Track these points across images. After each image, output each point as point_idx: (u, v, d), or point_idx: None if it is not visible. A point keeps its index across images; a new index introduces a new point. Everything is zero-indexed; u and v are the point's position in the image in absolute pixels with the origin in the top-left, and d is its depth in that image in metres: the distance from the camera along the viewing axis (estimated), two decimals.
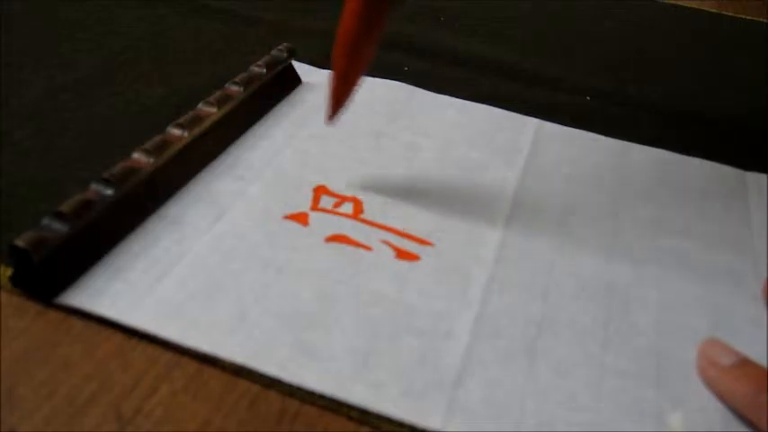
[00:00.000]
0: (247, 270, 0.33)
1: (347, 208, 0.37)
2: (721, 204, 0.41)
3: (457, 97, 0.48)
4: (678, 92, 0.53)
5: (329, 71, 0.49)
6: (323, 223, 0.36)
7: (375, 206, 0.38)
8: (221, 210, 0.36)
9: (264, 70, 0.44)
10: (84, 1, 0.56)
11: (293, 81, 0.48)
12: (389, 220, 0.37)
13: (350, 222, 0.36)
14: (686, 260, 0.36)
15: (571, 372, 0.30)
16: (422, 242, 0.36)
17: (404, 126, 0.45)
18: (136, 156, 0.36)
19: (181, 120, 0.39)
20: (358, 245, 0.35)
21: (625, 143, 0.45)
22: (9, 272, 0.31)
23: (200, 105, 0.40)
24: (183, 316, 0.30)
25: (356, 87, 0.37)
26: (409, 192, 0.39)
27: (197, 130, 0.39)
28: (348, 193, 0.38)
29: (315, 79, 0.49)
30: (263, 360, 0.29)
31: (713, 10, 0.69)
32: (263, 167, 0.40)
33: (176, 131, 0.38)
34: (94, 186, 0.34)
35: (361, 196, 0.38)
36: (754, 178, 0.43)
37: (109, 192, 0.34)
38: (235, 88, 0.42)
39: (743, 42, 0.63)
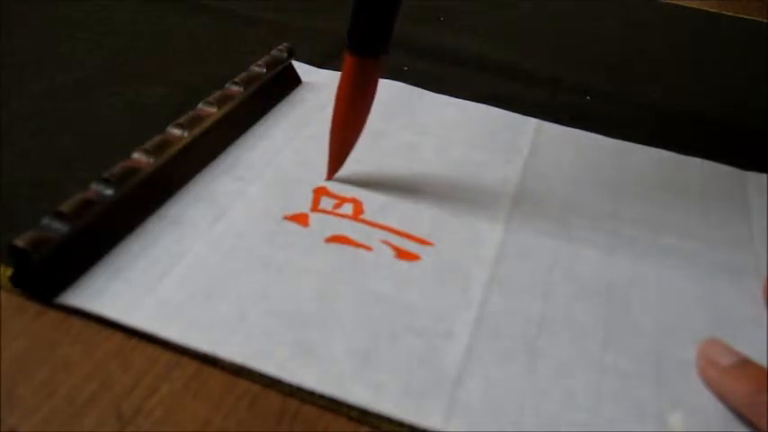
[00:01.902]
0: (247, 270, 0.33)
1: (347, 209, 0.37)
2: (721, 204, 0.41)
3: (457, 97, 0.48)
4: (678, 92, 0.53)
5: (328, 71, 0.50)
6: (323, 224, 0.36)
7: (375, 206, 0.38)
8: (221, 210, 0.36)
9: (264, 70, 0.44)
10: (84, 1, 0.56)
11: (293, 81, 0.48)
12: (389, 220, 0.37)
13: (350, 223, 0.36)
14: (686, 260, 0.36)
15: (571, 372, 0.30)
16: (422, 242, 0.36)
17: (404, 126, 0.45)
18: (136, 156, 0.36)
19: (181, 120, 0.39)
20: (358, 245, 0.35)
21: (625, 143, 0.45)
22: (9, 272, 0.31)
23: (200, 105, 0.40)
24: (183, 316, 0.30)
25: (350, 152, 0.39)
26: (409, 192, 0.39)
27: (197, 130, 0.39)
28: (348, 194, 0.38)
29: (315, 79, 0.49)
30: (263, 360, 0.29)
31: (713, 10, 0.69)
32: (263, 167, 0.40)
33: (176, 131, 0.38)
34: (94, 186, 0.34)
35: (361, 197, 0.38)
36: (754, 178, 0.43)
37: (109, 192, 0.34)
38: (235, 88, 0.42)
39: (743, 42, 0.63)
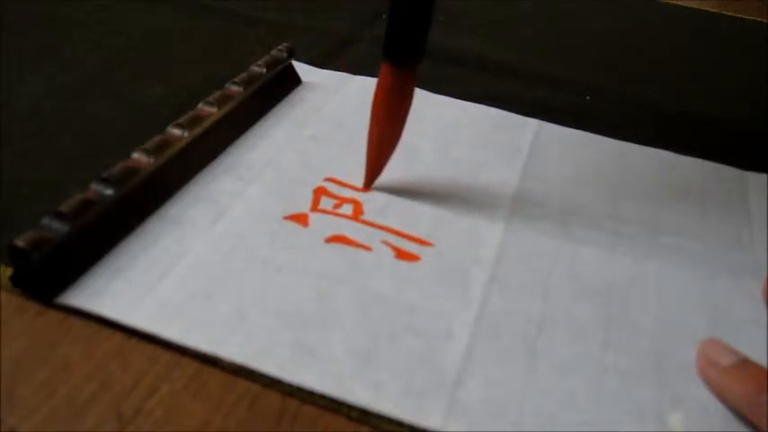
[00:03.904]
0: (247, 270, 0.33)
1: (347, 209, 0.37)
2: (721, 204, 0.41)
3: (457, 97, 0.48)
4: (678, 92, 0.53)
5: (328, 71, 0.50)
6: (323, 224, 0.36)
7: (375, 207, 0.38)
8: (221, 210, 0.36)
9: (264, 70, 0.44)
10: (84, 1, 0.56)
11: (293, 81, 0.48)
12: (389, 220, 0.37)
13: (350, 223, 0.36)
14: (686, 260, 0.36)
15: (571, 372, 0.30)
16: (422, 242, 0.36)
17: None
18: (136, 156, 0.36)
19: (181, 120, 0.39)
20: (358, 245, 0.35)
21: (625, 143, 0.45)
22: (9, 272, 0.31)
23: (200, 105, 0.40)
24: (183, 316, 0.30)
25: (387, 161, 0.39)
26: (409, 192, 0.39)
27: (197, 130, 0.39)
28: (348, 195, 0.38)
29: (315, 79, 0.49)
30: (263, 360, 0.29)
31: (713, 10, 0.69)
32: (263, 167, 0.40)
33: (176, 131, 0.38)
34: (94, 186, 0.34)
35: (360, 197, 0.38)
36: (754, 178, 0.43)
37: (109, 192, 0.34)
38: (235, 88, 0.42)
39: (743, 42, 0.63)
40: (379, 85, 0.37)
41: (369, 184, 0.39)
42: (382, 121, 0.37)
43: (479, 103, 0.48)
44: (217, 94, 0.41)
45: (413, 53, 0.36)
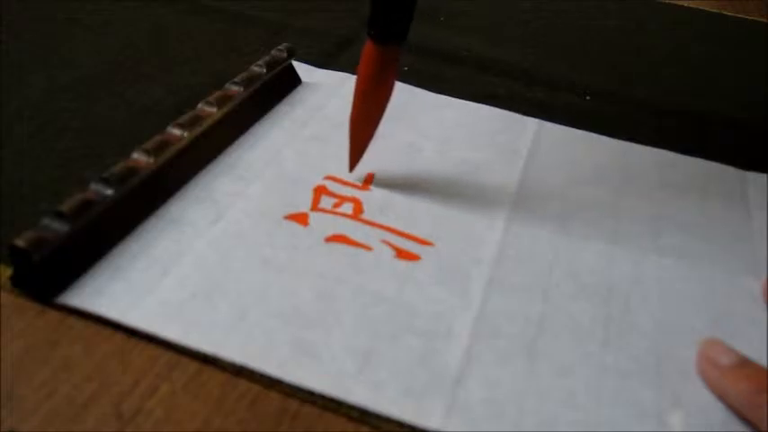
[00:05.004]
0: (247, 270, 0.33)
1: (347, 208, 0.37)
2: (721, 204, 0.41)
3: (457, 97, 0.48)
4: (678, 91, 0.53)
5: (328, 71, 0.50)
6: (323, 224, 0.36)
7: (375, 206, 0.38)
8: (221, 210, 0.36)
9: (264, 70, 0.44)
10: (84, 1, 0.56)
11: (293, 81, 0.48)
12: (389, 220, 0.37)
13: (350, 222, 0.36)
14: (686, 260, 0.36)
15: (571, 372, 0.30)
16: (422, 242, 0.36)
17: (404, 126, 0.45)
18: (136, 156, 0.36)
19: (181, 120, 0.39)
20: (358, 245, 0.35)
21: (625, 143, 0.45)
22: (9, 272, 0.31)
23: (200, 105, 0.40)
24: (183, 316, 0.30)
25: (370, 142, 0.39)
26: (409, 192, 0.39)
27: (197, 130, 0.39)
28: (348, 193, 0.38)
29: (315, 79, 0.49)
30: (263, 360, 0.29)
31: (713, 10, 0.69)
32: (263, 167, 0.40)
33: (176, 131, 0.38)
34: (94, 186, 0.34)
35: (361, 196, 0.38)
36: (754, 178, 0.43)
37: (109, 192, 0.34)
38: (235, 88, 0.42)
39: (743, 42, 0.63)
40: (362, 62, 0.37)
41: (353, 166, 0.39)
42: (365, 99, 0.37)
43: (479, 103, 0.48)
44: (217, 94, 0.41)
45: (397, 30, 0.36)
